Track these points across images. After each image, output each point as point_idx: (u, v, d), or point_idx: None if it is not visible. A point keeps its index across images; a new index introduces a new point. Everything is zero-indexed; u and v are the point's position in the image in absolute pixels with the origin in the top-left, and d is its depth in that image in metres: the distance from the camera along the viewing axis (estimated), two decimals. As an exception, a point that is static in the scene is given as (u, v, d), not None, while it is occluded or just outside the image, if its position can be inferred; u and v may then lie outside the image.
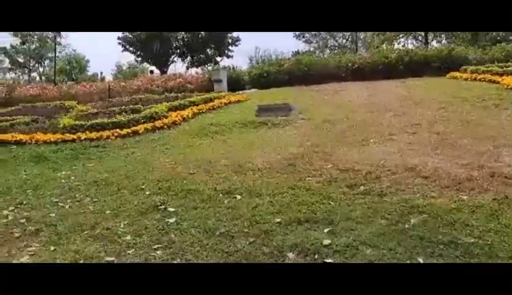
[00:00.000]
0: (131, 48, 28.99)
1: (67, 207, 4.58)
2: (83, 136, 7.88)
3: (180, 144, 7.24)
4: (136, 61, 30.54)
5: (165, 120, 8.87)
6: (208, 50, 31.55)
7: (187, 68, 29.79)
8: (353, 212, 3.71)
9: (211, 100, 11.47)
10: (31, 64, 32.84)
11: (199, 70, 22.57)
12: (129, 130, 8.20)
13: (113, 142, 7.73)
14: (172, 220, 3.92)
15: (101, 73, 36.98)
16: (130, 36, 27.63)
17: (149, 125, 8.51)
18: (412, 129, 6.67)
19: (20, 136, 8.21)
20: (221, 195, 4.47)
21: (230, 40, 30.79)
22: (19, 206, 4.77)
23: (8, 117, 10.60)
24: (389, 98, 10.12)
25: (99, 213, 4.30)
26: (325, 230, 3.44)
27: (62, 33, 29.96)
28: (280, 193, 4.35)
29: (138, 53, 29.09)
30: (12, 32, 31.74)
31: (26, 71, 32.76)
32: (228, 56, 31.47)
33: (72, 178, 5.80)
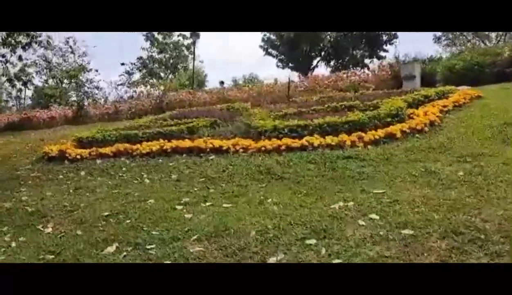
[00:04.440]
0: (274, 51, 27.49)
1: None
2: (316, 141, 5.36)
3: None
4: (277, 66, 28.91)
5: (422, 119, 5.98)
6: (355, 51, 28.54)
7: (332, 73, 27.13)
8: None
9: (443, 95, 8.40)
10: (166, 74, 33.55)
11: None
12: (380, 133, 5.47)
13: (364, 151, 5.05)
14: None
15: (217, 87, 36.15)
16: (274, 37, 26.10)
17: (405, 126, 5.70)
18: None
19: (217, 142, 6.08)
20: None
21: (385, 37, 27.37)
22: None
23: (179, 121, 8.83)
24: None
25: None
26: None
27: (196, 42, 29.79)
28: None
29: (281, 57, 27.39)
30: (149, 43, 33.05)
31: (161, 82, 33.52)
32: (379, 58, 27.94)
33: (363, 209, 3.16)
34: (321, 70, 28.22)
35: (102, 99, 24.39)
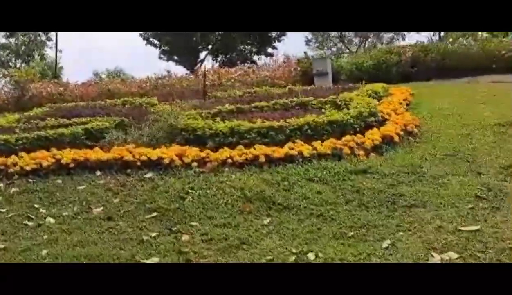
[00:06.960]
0: (156, 41, 25.07)
1: None
2: (305, 150, 4.00)
3: None
4: (160, 57, 26.52)
5: (408, 119, 5.11)
6: (243, 47, 27.90)
7: (220, 67, 26.06)
8: None
9: (386, 92, 7.88)
10: (17, 63, 28.33)
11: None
12: (376, 136, 4.39)
13: (375, 162, 3.89)
14: None
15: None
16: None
17: (397, 127, 4.74)
18: None
19: (152, 152, 4.30)
20: None
21: (274, 35, 27.20)
22: None
23: (66, 120, 6.61)
24: None
25: None
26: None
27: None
28: None
29: (165, 48, 25.14)
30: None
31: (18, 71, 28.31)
32: (267, 55, 27.78)
33: None
34: (208, 65, 26.85)
35: None
